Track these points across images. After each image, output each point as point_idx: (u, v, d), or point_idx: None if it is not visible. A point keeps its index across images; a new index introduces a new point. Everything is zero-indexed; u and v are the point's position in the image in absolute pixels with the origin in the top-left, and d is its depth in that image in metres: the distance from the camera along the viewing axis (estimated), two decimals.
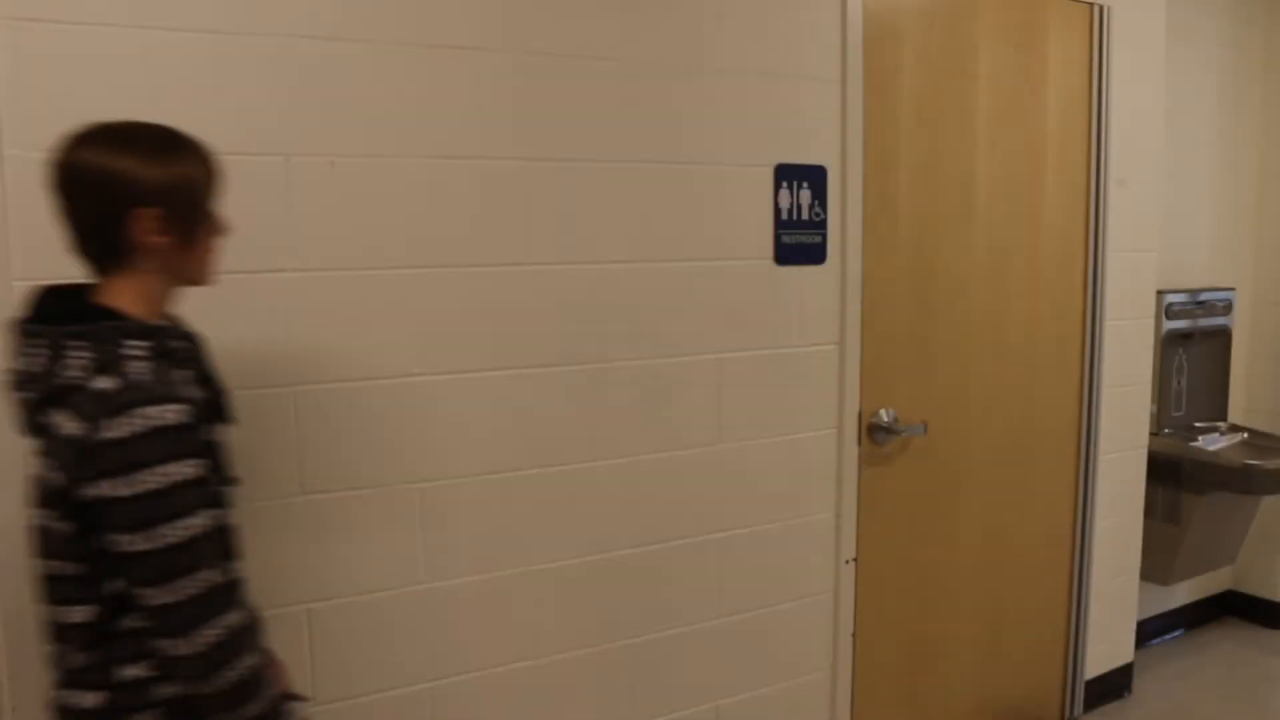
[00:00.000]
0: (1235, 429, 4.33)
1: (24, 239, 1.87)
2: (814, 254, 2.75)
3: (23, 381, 1.41)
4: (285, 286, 2.10)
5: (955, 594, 3.39)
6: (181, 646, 1.39)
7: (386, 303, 2.20)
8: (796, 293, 2.73)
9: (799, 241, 2.72)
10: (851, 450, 2.91)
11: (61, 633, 1.48)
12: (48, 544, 1.45)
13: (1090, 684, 3.79)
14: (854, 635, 3.01)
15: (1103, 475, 3.67)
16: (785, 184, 2.68)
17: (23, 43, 1.85)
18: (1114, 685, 3.90)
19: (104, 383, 1.35)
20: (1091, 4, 3.43)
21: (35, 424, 1.40)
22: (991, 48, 3.21)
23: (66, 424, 1.34)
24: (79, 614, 1.45)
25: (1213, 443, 4.15)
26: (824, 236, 2.76)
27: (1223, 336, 4.38)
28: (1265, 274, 4.61)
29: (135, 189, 1.41)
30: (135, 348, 1.40)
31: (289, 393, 2.12)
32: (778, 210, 2.68)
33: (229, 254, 2.04)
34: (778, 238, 2.68)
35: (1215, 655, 4.37)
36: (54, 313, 1.43)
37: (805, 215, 2.72)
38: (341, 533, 2.19)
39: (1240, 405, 4.63)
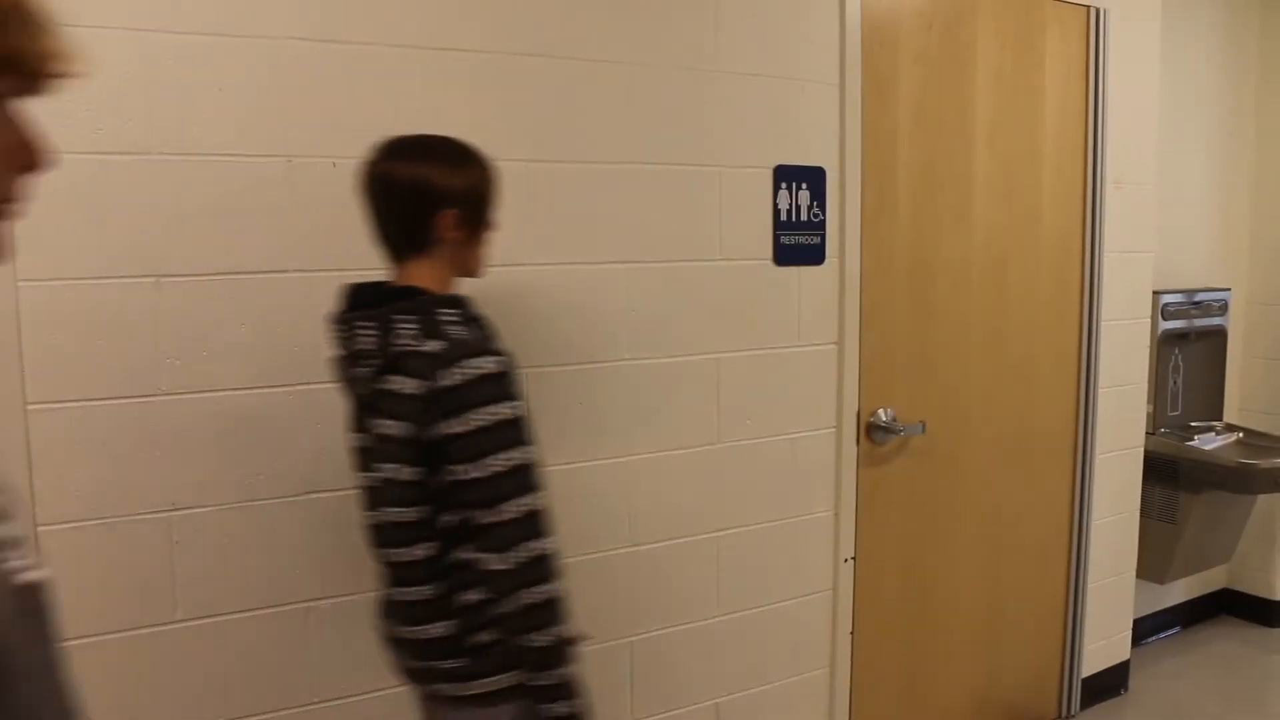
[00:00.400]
0: (1231, 428, 4.35)
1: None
2: (813, 255, 2.76)
3: (362, 358, 1.68)
4: (287, 288, 2.11)
5: (953, 592, 3.40)
6: (495, 562, 1.61)
7: None
8: (795, 293, 2.75)
9: (798, 242, 2.73)
10: (850, 449, 2.92)
11: (403, 572, 1.72)
12: (391, 494, 1.69)
13: (1087, 681, 3.81)
14: (853, 633, 3.03)
15: (1099, 474, 3.69)
16: (784, 185, 2.70)
17: None
18: (1110, 682, 3.92)
19: (432, 345, 1.60)
20: (1088, 6, 3.44)
21: (375, 391, 1.66)
22: (989, 50, 3.23)
23: (407, 384, 1.60)
24: (421, 550, 1.68)
25: (1209, 442, 4.16)
26: (823, 237, 2.78)
27: (1218, 337, 4.40)
28: (1260, 274, 4.62)
29: (442, 194, 1.69)
30: (449, 314, 1.66)
31: (295, 392, 2.13)
32: (777, 211, 2.69)
33: (241, 254, 2.06)
34: (777, 238, 2.70)
35: (1211, 653, 4.39)
36: (367, 301, 1.71)
37: (804, 216, 2.73)
38: (341, 532, 2.20)
39: (1236, 405, 4.65)
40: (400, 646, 1.78)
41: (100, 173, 1.94)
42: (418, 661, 1.75)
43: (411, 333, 1.62)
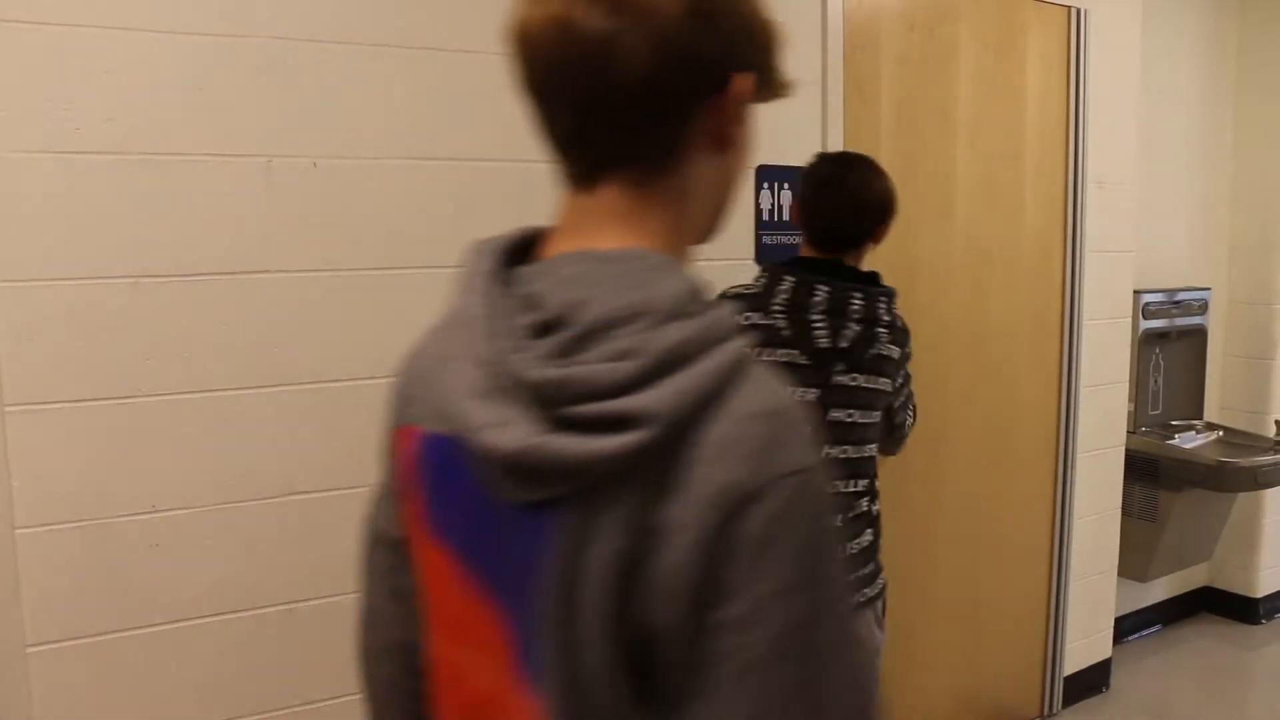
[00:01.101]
0: (1211, 427, 4.38)
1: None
2: (794, 254, 2.76)
3: (842, 318, 2.08)
4: (266, 288, 2.10)
5: (935, 591, 3.41)
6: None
7: (364, 303, 2.21)
8: None
9: (780, 242, 2.73)
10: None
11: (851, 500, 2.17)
12: (865, 434, 2.17)
13: (1069, 679, 3.83)
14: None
15: (1081, 473, 3.71)
16: (766, 185, 2.70)
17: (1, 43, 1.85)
18: (1092, 680, 3.94)
19: (900, 323, 2.18)
20: (1068, 7, 3.45)
21: (860, 349, 2.09)
22: (970, 51, 3.24)
23: (894, 350, 2.16)
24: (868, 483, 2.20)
25: (1189, 441, 4.19)
26: None
27: (1199, 336, 4.42)
28: (1240, 274, 4.65)
29: (889, 207, 2.17)
30: (887, 299, 2.14)
31: (277, 392, 2.12)
32: (759, 211, 2.70)
33: (220, 254, 2.05)
34: (759, 238, 2.70)
35: (1192, 650, 4.41)
36: (824, 270, 2.12)
37: (786, 216, 2.74)
38: (323, 531, 2.20)
39: (1216, 404, 4.68)
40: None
41: (78, 173, 1.92)
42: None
43: (887, 308, 2.13)
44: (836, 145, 2.83)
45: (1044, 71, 3.44)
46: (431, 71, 2.24)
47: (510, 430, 0.76)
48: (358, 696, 2.25)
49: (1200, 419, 4.43)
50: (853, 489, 2.16)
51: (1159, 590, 4.59)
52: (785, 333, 2.07)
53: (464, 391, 0.81)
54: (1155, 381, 4.28)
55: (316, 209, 2.14)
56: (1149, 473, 4.08)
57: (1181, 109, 4.38)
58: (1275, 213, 4.53)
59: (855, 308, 2.07)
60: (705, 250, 2.66)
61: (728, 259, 2.66)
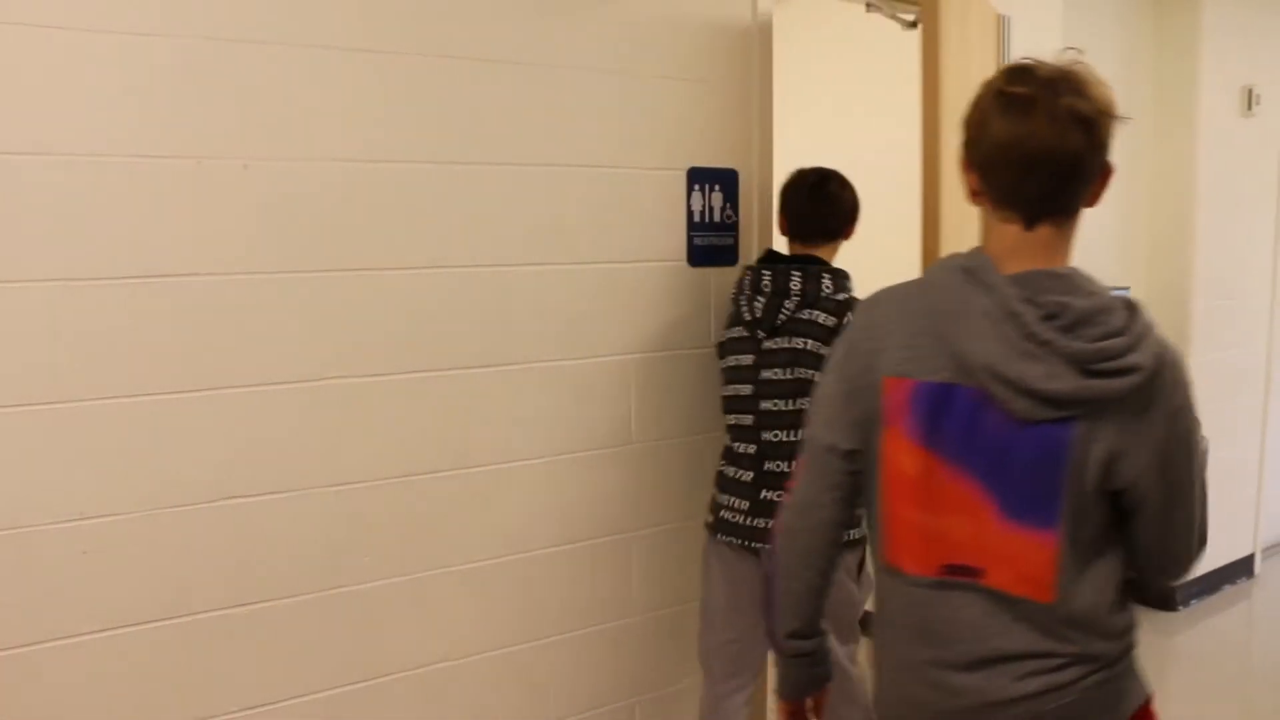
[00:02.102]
0: None
1: None
2: (726, 255, 2.80)
3: (781, 295, 2.52)
4: (198, 291, 2.08)
5: None
6: None
7: (300, 306, 2.20)
8: (709, 294, 2.78)
9: (711, 243, 2.76)
10: None
11: (785, 449, 2.51)
12: (772, 389, 2.53)
13: None
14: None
15: None
16: (697, 187, 2.73)
17: None
18: None
19: (840, 295, 2.52)
20: (998, 15, 3.52)
21: (793, 320, 2.51)
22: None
23: (822, 317, 2.49)
24: (788, 434, 2.50)
25: None
26: (736, 238, 2.82)
27: None
28: (1156, 272, 4.79)
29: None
30: (831, 276, 2.54)
31: (209, 396, 2.11)
32: (690, 213, 2.72)
33: (150, 257, 2.02)
34: (690, 240, 2.73)
35: None
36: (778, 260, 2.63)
37: (717, 218, 2.77)
38: (257, 537, 2.18)
39: None
40: (771, 507, 2.47)
41: (3, 174, 1.89)
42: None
43: (833, 285, 2.53)
44: (767, 147, 2.87)
45: (977, 74, 3.50)
46: (365, 73, 2.24)
47: (1061, 380, 1.38)
48: (292, 701, 2.26)
49: None
50: (794, 437, 2.49)
51: None
52: (735, 312, 2.63)
53: (1001, 357, 1.40)
54: None
55: (248, 211, 2.12)
56: None
57: None
58: (1189, 213, 4.68)
59: (795, 286, 2.52)
60: (636, 252, 2.68)
61: (660, 260, 2.68)
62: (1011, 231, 1.48)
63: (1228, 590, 5.12)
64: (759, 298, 2.55)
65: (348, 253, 2.25)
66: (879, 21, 3.42)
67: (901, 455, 1.51)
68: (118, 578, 2.05)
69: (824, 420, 1.61)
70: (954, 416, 1.46)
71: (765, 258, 2.67)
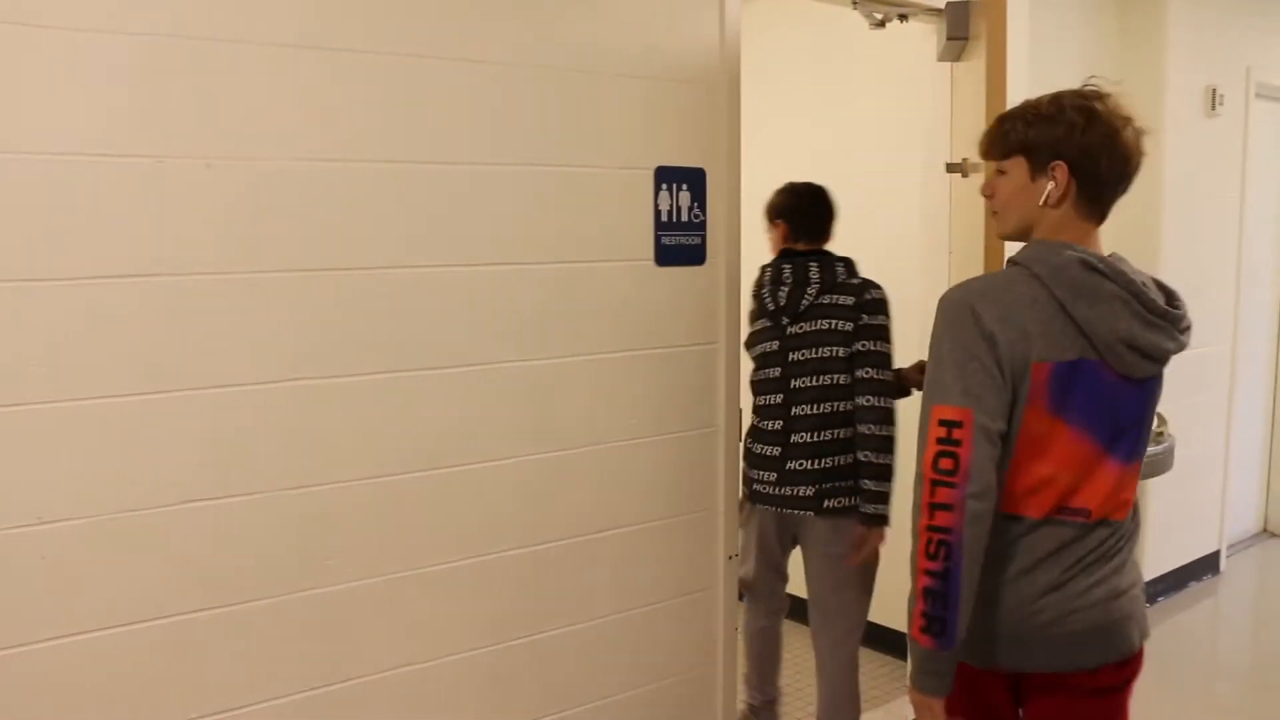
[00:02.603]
0: None
1: None
2: (694, 255, 2.80)
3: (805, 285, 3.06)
4: (158, 291, 2.06)
5: None
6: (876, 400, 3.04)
7: (267, 307, 2.18)
8: (677, 293, 2.78)
9: (679, 243, 2.76)
10: (733, 447, 2.96)
11: (799, 423, 3.10)
12: (799, 369, 3.08)
13: None
14: (737, 630, 3.07)
15: None
16: (665, 186, 2.72)
17: None
18: None
19: (855, 279, 3.05)
20: None
21: (815, 305, 3.05)
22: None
23: (841, 299, 3.03)
24: (813, 408, 3.07)
25: None
26: (703, 238, 2.81)
27: None
28: None
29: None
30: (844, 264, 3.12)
31: (175, 397, 2.08)
32: (658, 212, 2.72)
33: (110, 257, 2.00)
34: (658, 239, 2.72)
35: None
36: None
37: (685, 217, 2.77)
38: (224, 539, 2.16)
39: None
40: (796, 476, 3.08)
41: None
42: (813, 485, 3.05)
43: (846, 270, 3.11)
44: (735, 146, 2.87)
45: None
46: (331, 72, 2.22)
47: (1172, 341, 1.84)
48: (265, 704, 2.24)
49: None
50: (818, 410, 3.06)
51: None
52: (758, 306, 3.17)
53: (1132, 330, 1.79)
54: None
55: (212, 211, 2.10)
56: None
57: None
58: (1155, 212, 4.72)
59: (814, 275, 3.05)
60: (604, 252, 2.66)
61: (627, 260, 2.68)
62: (1088, 228, 1.88)
63: (1194, 587, 5.18)
64: (781, 288, 3.08)
65: (314, 253, 2.23)
66: (846, 21, 3.43)
67: (1035, 424, 1.80)
68: (80, 583, 2.02)
69: (983, 407, 1.76)
70: (1080, 388, 1.80)
71: (781, 255, 3.18)
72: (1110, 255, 1.85)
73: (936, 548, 1.75)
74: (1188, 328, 1.86)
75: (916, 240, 3.85)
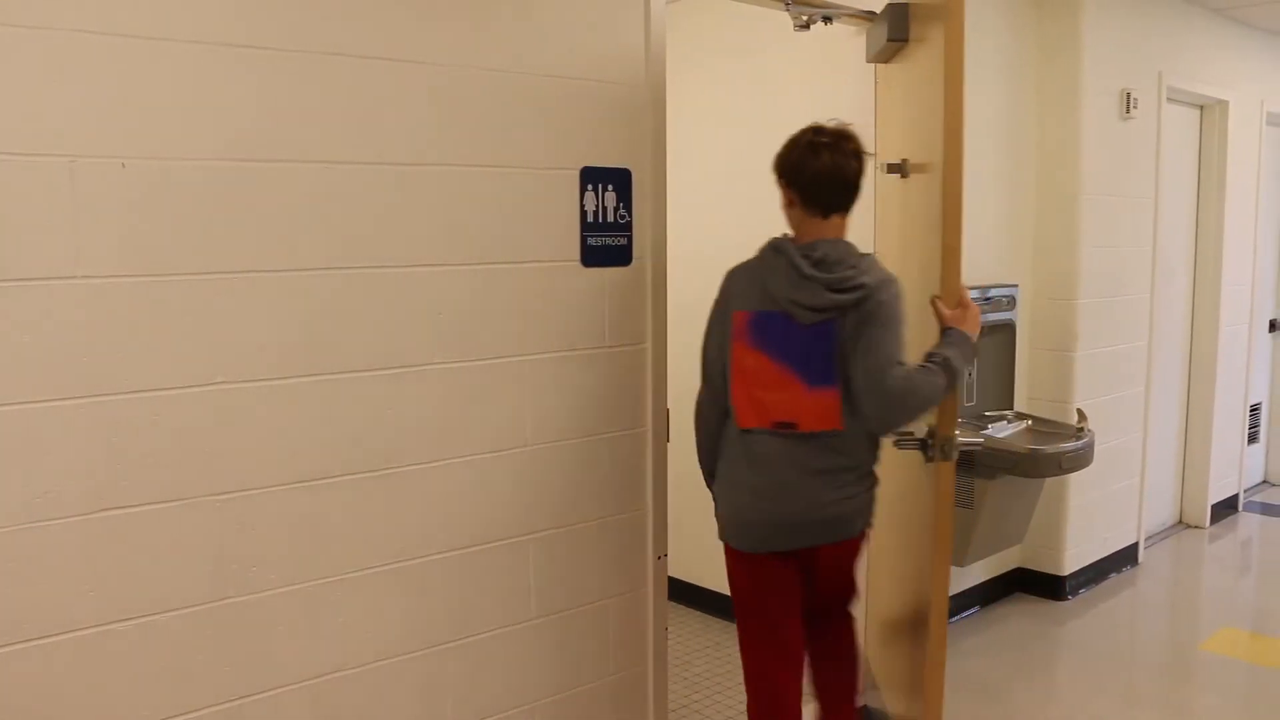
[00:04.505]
0: (1021, 416, 4.62)
1: None
2: (620, 256, 2.80)
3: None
4: (73, 294, 2.01)
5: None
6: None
7: (185, 310, 2.14)
8: (603, 294, 2.78)
9: (605, 243, 2.76)
10: (661, 448, 2.97)
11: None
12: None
13: None
14: (668, 629, 3.08)
15: None
16: (591, 187, 2.72)
17: None
18: None
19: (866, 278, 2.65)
20: None
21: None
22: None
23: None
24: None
25: (1001, 430, 4.41)
26: (629, 238, 2.82)
27: (1008, 330, 4.67)
28: (1043, 270, 4.93)
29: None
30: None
31: (87, 404, 2.03)
32: (584, 213, 2.72)
33: (21, 259, 1.94)
34: (584, 240, 2.72)
35: (1008, 629, 4.65)
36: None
37: (611, 218, 2.77)
38: (139, 548, 2.12)
39: (1024, 394, 4.94)
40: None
41: None
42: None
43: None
44: (660, 145, 2.88)
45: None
46: (251, 71, 2.18)
47: (819, 297, 2.48)
48: (180, 717, 2.19)
49: (1011, 409, 4.67)
50: None
51: (977, 573, 4.81)
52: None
53: (790, 291, 2.50)
54: (969, 374, 4.49)
55: (127, 211, 2.05)
56: (964, 462, 4.26)
57: (988, 118, 4.61)
58: (1073, 213, 4.82)
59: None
60: (530, 252, 2.66)
61: (553, 260, 2.67)
62: (816, 223, 2.59)
63: (1114, 578, 5.29)
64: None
65: (233, 254, 2.19)
66: (771, 22, 3.45)
67: (742, 356, 2.59)
68: None
69: (709, 345, 2.70)
70: (773, 331, 2.55)
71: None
72: (820, 241, 2.55)
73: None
74: (847, 288, 2.47)
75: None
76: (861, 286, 2.46)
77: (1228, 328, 6.13)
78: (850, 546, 2.67)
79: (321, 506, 2.35)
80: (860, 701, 2.99)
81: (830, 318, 2.48)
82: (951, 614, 4.65)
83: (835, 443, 2.54)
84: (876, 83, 3.72)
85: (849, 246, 2.57)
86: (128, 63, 2.04)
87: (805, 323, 2.50)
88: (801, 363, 2.51)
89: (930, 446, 2.67)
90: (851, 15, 3.41)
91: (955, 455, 2.64)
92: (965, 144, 2.60)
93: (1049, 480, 4.65)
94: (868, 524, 2.67)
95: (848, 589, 2.81)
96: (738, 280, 2.63)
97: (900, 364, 2.46)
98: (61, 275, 2.00)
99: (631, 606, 2.97)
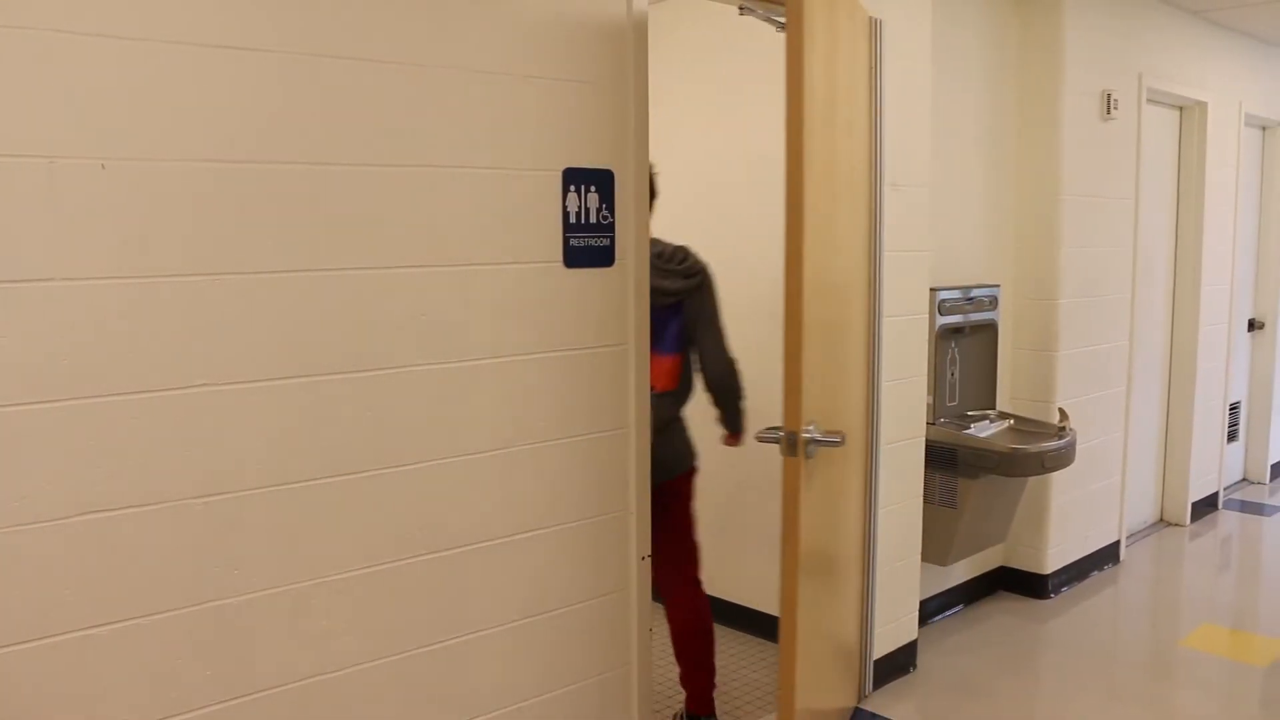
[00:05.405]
0: (1003, 416, 4.64)
1: None
2: (602, 256, 2.80)
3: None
4: (52, 297, 1.99)
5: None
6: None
7: (166, 312, 2.12)
8: (586, 295, 2.78)
9: (588, 244, 2.76)
10: (644, 448, 2.97)
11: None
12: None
13: (878, 662, 3.99)
14: (651, 630, 3.08)
15: (885, 464, 3.87)
16: (573, 188, 2.72)
17: None
18: (900, 662, 4.12)
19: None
20: (871, 18, 3.60)
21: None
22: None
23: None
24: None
25: (983, 430, 4.43)
26: (612, 239, 2.82)
27: (990, 330, 4.69)
28: (1025, 270, 4.96)
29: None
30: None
31: (66, 406, 2.02)
32: (566, 214, 2.71)
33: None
34: (566, 241, 2.72)
35: (990, 627, 4.67)
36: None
37: (593, 219, 2.76)
38: (120, 551, 2.10)
39: (1007, 394, 4.97)
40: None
41: None
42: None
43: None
44: (643, 146, 2.88)
45: (851, 78, 3.57)
46: (232, 71, 2.17)
47: (668, 280, 3.28)
48: None
49: (993, 409, 4.69)
50: None
51: (959, 572, 4.84)
52: None
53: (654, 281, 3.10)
54: (952, 374, 4.51)
55: (107, 213, 2.04)
56: (948, 461, 4.29)
57: (970, 119, 4.64)
58: (1054, 214, 4.85)
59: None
60: (512, 254, 2.65)
61: (535, 261, 2.67)
62: None
63: (1095, 577, 5.33)
64: None
65: (214, 256, 2.18)
66: (753, 23, 3.46)
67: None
68: None
69: None
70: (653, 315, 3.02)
71: None
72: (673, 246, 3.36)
73: None
74: (687, 274, 3.32)
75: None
76: (696, 273, 3.39)
77: (1207, 327, 6.18)
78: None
79: (304, 509, 2.34)
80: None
81: (679, 301, 3.34)
82: (935, 612, 4.68)
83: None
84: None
85: (680, 248, 3.38)
86: (107, 63, 2.02)
87: (662, 304, 3.18)
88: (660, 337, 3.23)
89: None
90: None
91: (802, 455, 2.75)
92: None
93: (1031, 479, 4.68)
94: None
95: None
96: None
97: None
98: (41, 277, 1.98)
99: (615, 608, 2.96)
